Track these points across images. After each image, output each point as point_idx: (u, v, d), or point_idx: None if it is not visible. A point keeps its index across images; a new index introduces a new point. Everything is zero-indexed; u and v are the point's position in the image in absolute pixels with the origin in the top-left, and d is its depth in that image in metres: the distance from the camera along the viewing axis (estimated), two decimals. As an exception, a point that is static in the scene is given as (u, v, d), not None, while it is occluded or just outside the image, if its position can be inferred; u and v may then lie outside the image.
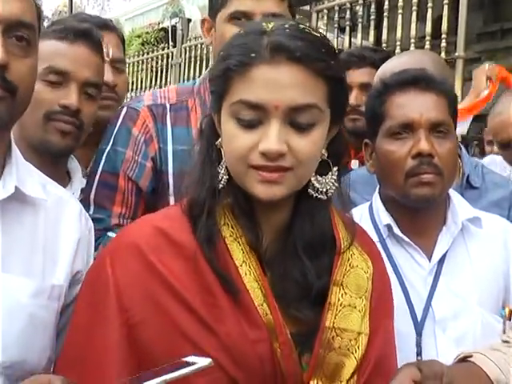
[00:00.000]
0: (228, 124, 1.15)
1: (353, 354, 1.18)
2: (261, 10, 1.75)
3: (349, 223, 1.29)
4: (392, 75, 1.74)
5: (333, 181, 1.20)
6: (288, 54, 1.10)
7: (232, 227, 1.18)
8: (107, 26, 2.25)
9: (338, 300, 1.20)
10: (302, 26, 1.16)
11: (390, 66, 2.06)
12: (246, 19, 1.76)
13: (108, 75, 2.11)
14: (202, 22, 1.95)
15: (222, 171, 1.18)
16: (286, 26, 1.14)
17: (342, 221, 1.28)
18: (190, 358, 0.97)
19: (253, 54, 1.11)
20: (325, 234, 1.23)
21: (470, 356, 1.36)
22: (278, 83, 1.10)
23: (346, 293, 1.21)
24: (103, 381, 1.09)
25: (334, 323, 1.18)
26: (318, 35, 1.16)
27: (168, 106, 1.86)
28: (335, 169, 1.21)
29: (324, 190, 1.20)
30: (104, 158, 1.84)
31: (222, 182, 1.18)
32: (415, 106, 1.63)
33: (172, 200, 1.78)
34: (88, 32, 1.80)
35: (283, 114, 1.11)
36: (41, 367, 1.22)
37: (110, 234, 1.72)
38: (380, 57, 2.77)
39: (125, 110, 1.87)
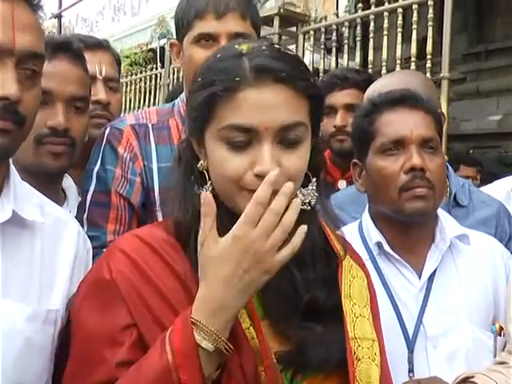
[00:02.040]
0: (216, 148, 1.15)
1: (373, 361, 1.21)
2: (225, 30, 1.79)
3: (340, 236, 1.32)
4: (380, 95, 1.77)
5: (314, 191, 1.22)
6: (273, 75, 1.12)
7: None
8: (101, 44, 2.25)
9: (352, 311, 1.22)
10: (277, 47, 1.18)
11: (379, 86, 2.09)
12: (212, 41, 1.81)
13: (101, 93, 2.13)
14: (171, 46, 1.99)
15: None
16: (263, 47, 1.16)
17: (333, 233, 1.30)
18: None
19: (237, 78, 1.12)
20: (315, 245, 1.24)
21: (472, 377, 1.36)
22: (265, 105, 1.11)
23: (355, 303, 1.24)
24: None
25: (354, 334, 1.20)
26: (294, 54, 1.19)
27: (150, 125, 1.89)
28: (314, 180, 1.23)
29: (307, 201, 1.21)
30: (94, 177, 1.85)
31: None
32: (405, 123, 1.67)
33: (159, 215, 1.80)
34: (67, 44, 1.77)
35: (273, 134, 1.12)
36: None
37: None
38: (362, 78, 2.82)
39: (108, 129, 1.89)
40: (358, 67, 5.64)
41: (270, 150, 1.12)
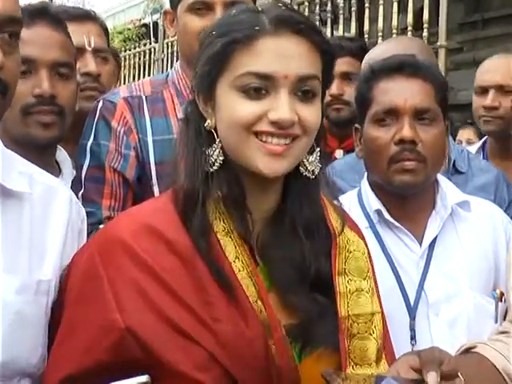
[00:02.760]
0: (229, 97, 1.14)
1: (371, 335, 1.21)
2: None
3: (338, 207, 1.31)
4: (379, 61, 1.74)
5: (317, 160, 1.22)
6: (292, 27, 1.13)
7: (224, 221, 1.17)
8: (88, 15, 2.20)
9: (346, 287, 1.21)
10: (291, 6, 1.20)
11: (379, 52, 2.07)
12: (206, 9, 1.78)
13: (91, 65, 2.08)
14: (165, 14, 1.97)
15: (216, 152, 1.17)
16: (279, 4, 1.18)
17: (331, 205, 1.29)
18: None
19: (257, 27, 1.12)
20: (319, 213, 1.24)
21: (474, 347, 1.36)
22: (285, 54, 1.12)
23: (350, 279, 1.23)
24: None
25: (348, 311, 1.20)
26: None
27: (144, 97, 1.86)
28: (317, 149, 1.22)
29: (311, 169, 1.21)
30: (88, 152, 1.83)
31: (216, 165, 1.17)
32: (400, 92, 1.63)
33: (156, 189, 1.79)
34: (43, 10, 1.72)
35: (291, 83, 1.13)
36: (33, 365, 1.19)
37: (101, 226, 1.71)
38: (357, 45, 2.79)
39: (101, 103, 1.86)
40: (353, 38, 5.58)
41: (287, 98, 1.12)
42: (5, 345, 1.14)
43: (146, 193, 1.79)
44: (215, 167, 1.17)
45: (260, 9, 1.16)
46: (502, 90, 2.59)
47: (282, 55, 1.12)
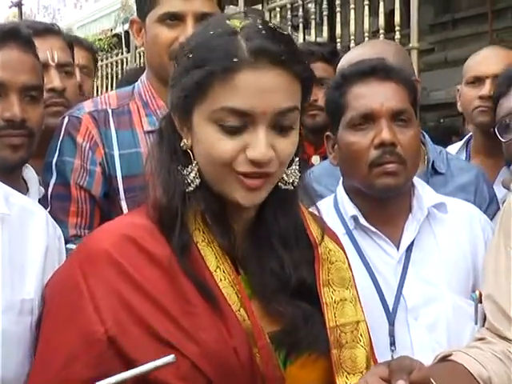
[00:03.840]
0: (206, 130, 1.11)
1: (358, 343, 1.21)
2: (191, 10, 1.74)
3: (317, 217, 1.30)
4: (350, 66, 1.73)
5: (297, 171, 1.20)
6: (271, 58, 1.08)
7: (203, 232, 1.16)
8: (51, 29, 2.17)
9: (332, 298, 1.21)
10: (271, 25, 1.14)
11: (353, 56, 2.05)
12: (178, 20, 1.75)
13: (55, 81, 2.06)
14: (131, 23, 1.92)
15: (192, 174, 1.15)
16: (258, 25, 1.12)
17: (310, 215, 1.29)
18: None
19: (235, 59, 1.07)
20: (297, 225, 1.23)
21: (449, 355, 1.35)
22: (264, 88, 1.08)
23: (334, 290, 1.23)
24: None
25: (336, 322, 1.19)
26: (287, 33, 1.15)
27: (110, 110, 1.83)
28: (297, 159, 1.21)
29: (290, 180, 1.19)
30: (54, 169, 1.80)
31: (192, 186, 1.15)
32: (375, 95, 1.62)
33: (124, 204, 1.76)
34: (14, 31, 1.69)
35: (270, 118, 1.09)
36: None
37: (69, 245, 1.67)
38: (327, 50, 2.79)
39: (66, 119, 1.83)
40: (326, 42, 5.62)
41: (265, 135, 1.09)
42: None
43: (113, 208, 1.76)
44: (191, 188, 1.15)
45: (238, 29, 1.11)
46: (497, 79, 2.59)
47: (260, 90, 1.08)
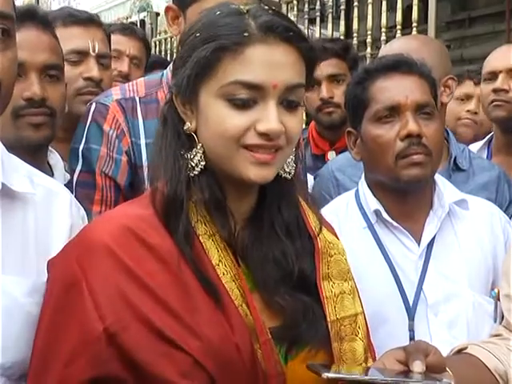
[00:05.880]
0: (215, 106, 1.11)
1: (356, 336, 1.20)
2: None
3: (313, 207, 1.29)
4: (373, 62, 1.75)
5: (293, 161, 1.21)
6: (281, 34, 1.10)
7: (205, 224, 1.14)
8: (93, 20, 2.19)
9: (331, 291, 1.21)
10: (276, 9, 1.16)
11: (396, 48, 2.07)
12: None
13: (94, 70, 2.09)
14: (167, 10, 1.88)
15: (197, 157, 1.14)
16: (264, 7, 1.14)
17: (307, 205, 1.28)
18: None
19: (246, 34, 1.08)
20: (297, 214, 1.23)
21: (465, 348, 1.35)
22: (274, 63, 1.09)
23: (334, 283, 1.22)
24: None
25: (336, 315, 1.19)
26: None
27: (137, 99, 1.82)
28: (294, 149, 1.21)
29: (288, 170, 1.20)
30: (80, 156, 1.80)
31: (196, 169, 1.14)
32: (400, 89, 1.64)
33: None
34: (31, 12, 1.70)
35: (279, 93, 1.10)
36: None
37: None
38: (340, 46, 2.79)
39: (94, 106, 1.82)
40: (342, 37, 5.60)
41: (275, 109, 1.10)
42: (17, 346, 1.13)
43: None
44: (195, 172, 1.14)
45: (245, 10, 1.12)
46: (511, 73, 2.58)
47: (271, 64, 1.09)
